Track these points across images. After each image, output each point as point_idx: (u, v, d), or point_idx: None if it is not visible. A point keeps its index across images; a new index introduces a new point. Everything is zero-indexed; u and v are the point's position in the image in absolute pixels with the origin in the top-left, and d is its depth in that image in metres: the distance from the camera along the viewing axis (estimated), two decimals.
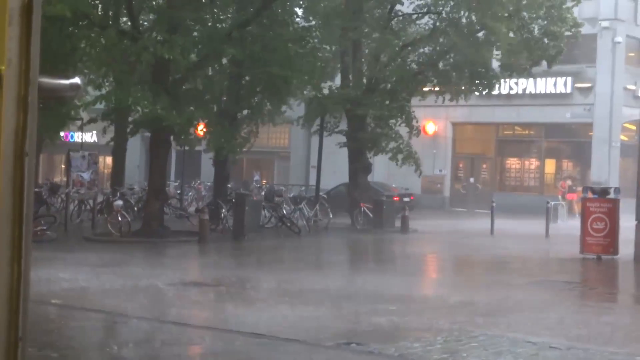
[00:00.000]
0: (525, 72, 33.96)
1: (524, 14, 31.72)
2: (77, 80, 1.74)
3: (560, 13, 31.71)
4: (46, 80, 1.63)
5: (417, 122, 34.56)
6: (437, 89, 34.70)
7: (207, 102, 29.42)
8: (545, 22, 32.02)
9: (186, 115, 25.25)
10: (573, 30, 32.44)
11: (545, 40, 32.48)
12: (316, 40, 30.67)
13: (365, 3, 32.60)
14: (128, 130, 31.18)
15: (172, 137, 26.73)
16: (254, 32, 26.02)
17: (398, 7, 33.73)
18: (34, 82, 1.54)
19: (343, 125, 34.60)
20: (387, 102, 32.95)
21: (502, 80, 33.90)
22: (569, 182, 43.62)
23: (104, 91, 25.48)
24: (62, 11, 21.08)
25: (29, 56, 1.53)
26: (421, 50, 34.49)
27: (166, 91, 24.96)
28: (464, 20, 32.05)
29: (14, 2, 1.53)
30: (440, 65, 33.79)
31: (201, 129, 30.92)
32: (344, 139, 34.26)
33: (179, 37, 24.16)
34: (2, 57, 1.45)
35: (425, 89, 35.01)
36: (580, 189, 42.45)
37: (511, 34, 32.25)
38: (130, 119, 30.27)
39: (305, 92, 31.49)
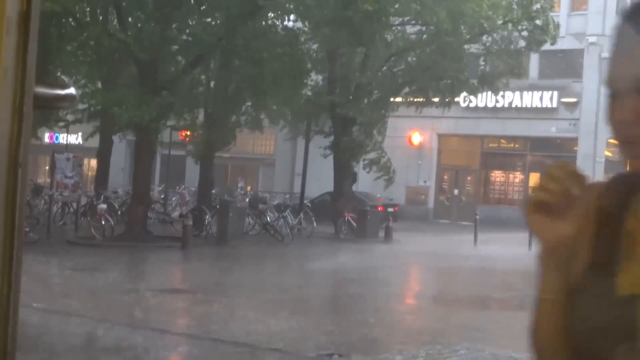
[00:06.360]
0: (504, 84, 33.97)
1: (506, 28, 31.84)
2: (72, 90, 1.72)
3: (543, 21, 31.67)
4: (42, 90, 1.60)
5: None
6: (420, 99, 34.64)
7: (194, 105, 29.36)
8: (528, 33, 32.04)
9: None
10: (554, 36, 32.25)
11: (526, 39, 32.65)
12: (305, 44, 30.69)
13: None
14: (114, 128, 31.12)
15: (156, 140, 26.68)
16: (239, 42, 25.82)
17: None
18: (29, 92, 1.52)
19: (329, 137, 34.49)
20: (370, 112, 32.86)
21: (486, 93, 33.88)
22: None
23: (88, 90, 25.32)
24: (51, 8, 20.89)
25: (26, 65, 1.50)
26: (405, 58, 34.50)
27: (153, 94, 24.83)
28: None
29: (12, 11, 1.50)
30: (421, 76, 33.54)
31: (186, 132, 30.92)
32: (327, 147, 34.21)
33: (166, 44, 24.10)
34: None
35: (409, 99, 35.02)
36: None
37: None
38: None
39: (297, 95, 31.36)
